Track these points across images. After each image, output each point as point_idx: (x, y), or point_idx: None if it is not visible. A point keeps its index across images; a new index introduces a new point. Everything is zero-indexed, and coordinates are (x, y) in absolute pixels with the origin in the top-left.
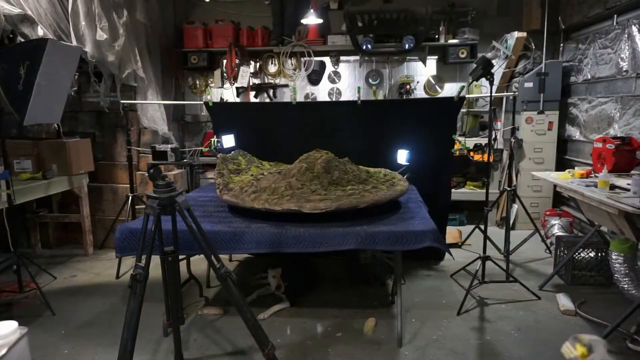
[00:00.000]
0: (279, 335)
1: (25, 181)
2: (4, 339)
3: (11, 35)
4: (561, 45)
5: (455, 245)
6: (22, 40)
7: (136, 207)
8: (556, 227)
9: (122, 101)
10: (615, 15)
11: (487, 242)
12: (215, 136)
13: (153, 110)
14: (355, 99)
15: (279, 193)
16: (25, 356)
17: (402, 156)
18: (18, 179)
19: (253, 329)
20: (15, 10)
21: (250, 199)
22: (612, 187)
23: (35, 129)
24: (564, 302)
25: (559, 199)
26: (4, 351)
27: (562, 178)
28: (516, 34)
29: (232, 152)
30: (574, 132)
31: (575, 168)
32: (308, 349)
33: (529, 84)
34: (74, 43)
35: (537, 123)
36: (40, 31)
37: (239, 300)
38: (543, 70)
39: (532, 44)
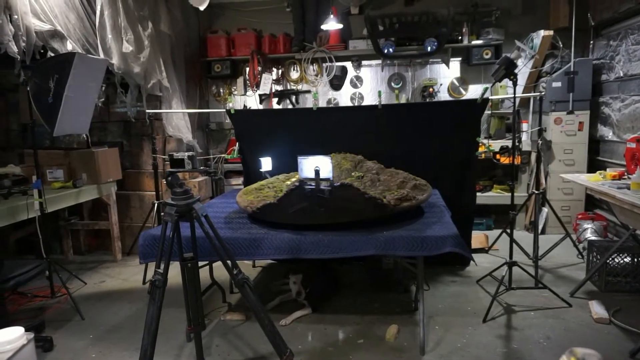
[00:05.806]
0: (300, 341)
1: (57, 190)
2: (10, 344)
3: (42, 51)
4: (591, 42)
5: (481, 250)
6: (53, 55)
7: (162, 213)
8: (589, 231)
9: (147, 111)
10: None
11: (515, 247)
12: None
13: (178, 118)
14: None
15: (408, 185)
16: None
17: (267, 163)
18: (50, 187)
19: (271, 335)
20: (46, 27)
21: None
22: None
23: (67, 139)
24: (597, 309)
25: (592, 202)
26: (9, 355)
27: (593, 180)
28: (542, 32)
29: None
30: (607, 132)
31: (607, 169)
32: (329, 356)
33: (557, 84)
34: (102, 56)
35: (567, 123)
36: (70, 45)
37: (257, 307)
38: (572, 69)
39: (560, 42)
